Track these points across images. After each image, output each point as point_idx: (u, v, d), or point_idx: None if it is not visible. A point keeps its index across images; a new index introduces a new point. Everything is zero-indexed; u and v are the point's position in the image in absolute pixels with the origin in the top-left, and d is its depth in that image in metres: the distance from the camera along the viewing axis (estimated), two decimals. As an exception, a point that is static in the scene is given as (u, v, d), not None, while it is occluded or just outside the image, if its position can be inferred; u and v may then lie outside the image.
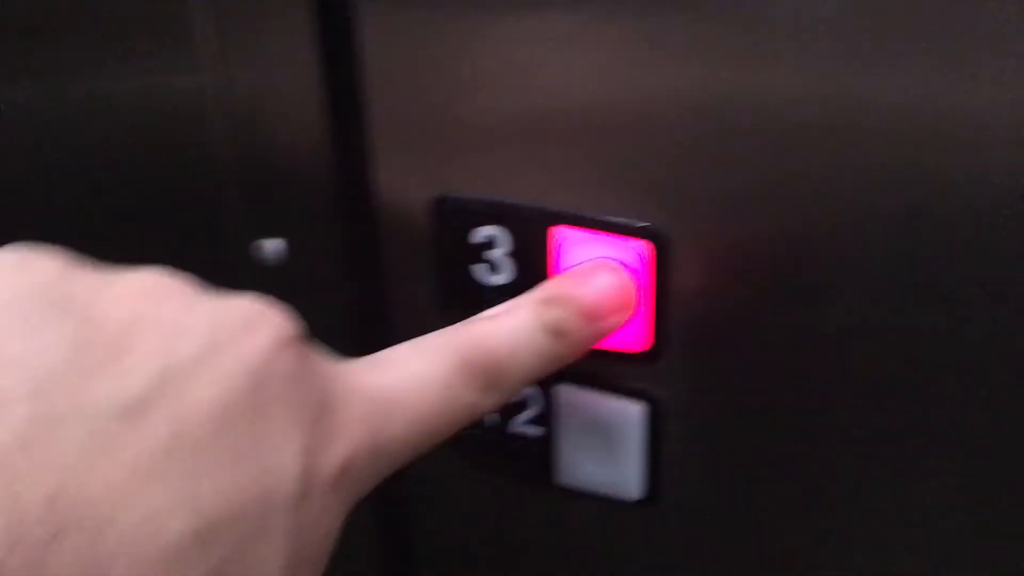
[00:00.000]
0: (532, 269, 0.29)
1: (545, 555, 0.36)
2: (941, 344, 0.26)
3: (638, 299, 0.28)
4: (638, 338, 0.29)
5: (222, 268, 0.37)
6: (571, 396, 0.31)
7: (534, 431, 0.32)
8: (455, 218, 0.30)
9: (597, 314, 0.26)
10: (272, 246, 0.34)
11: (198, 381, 0.16)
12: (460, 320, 0.31)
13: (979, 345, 0.26)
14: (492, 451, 0.33)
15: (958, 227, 0.25)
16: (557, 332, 0.24)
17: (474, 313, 0.31)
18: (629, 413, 0.30)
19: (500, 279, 0.30)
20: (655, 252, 0.28)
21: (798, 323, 0.27)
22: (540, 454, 0.32)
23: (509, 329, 0.24)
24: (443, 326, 0.32)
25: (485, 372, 0.23)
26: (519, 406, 0.32)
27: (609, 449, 0.31)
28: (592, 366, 0.30)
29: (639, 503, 0.32)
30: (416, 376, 0.22)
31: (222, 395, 0.17)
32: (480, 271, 0.30)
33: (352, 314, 0.35)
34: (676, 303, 0.28)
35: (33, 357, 0.15)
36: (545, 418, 0.32)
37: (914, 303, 0.26)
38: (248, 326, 0.18)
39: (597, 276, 0.27)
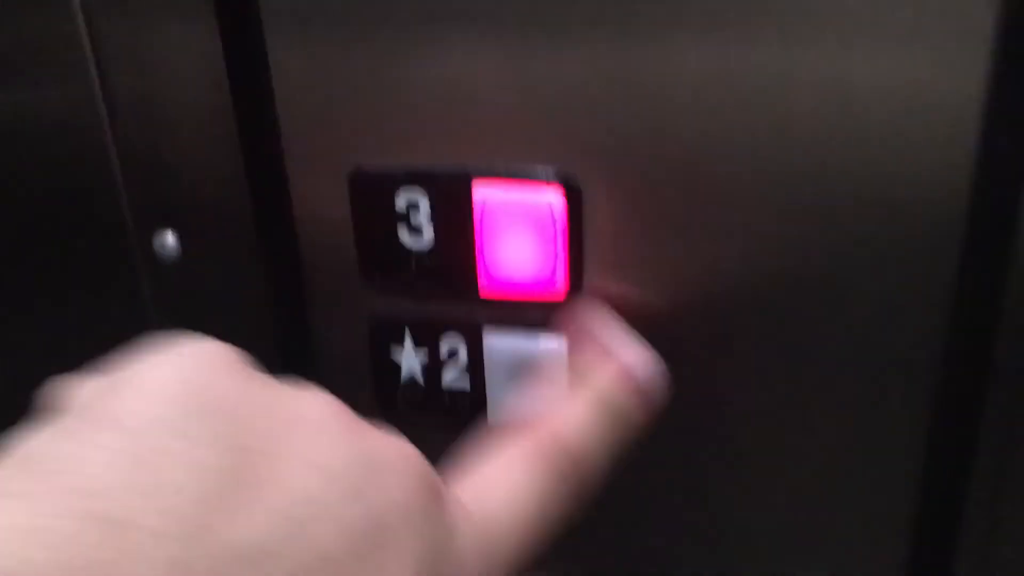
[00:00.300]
0: (454, 229, 0.31)
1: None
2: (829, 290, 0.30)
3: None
4: (555, 284, 0.31)
5: (123, 263, 0.36)
6: (496, 343, 0.33)
7: (464, 383, 0.34)
8: (374, 187, 0.31)
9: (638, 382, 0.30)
10: (172, 241, 0.34)
11: (324, 523, 0.17)
12: (384, 288, 0.32)
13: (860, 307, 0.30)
14: (425, 410, 0.34)
15: (837, 172, 0.29)
16: (616, 414, 0.28)
17: (399, 278, 0.32)
18: (552, 346, 0.33)
19: (423, 243, 0.31)
20: (567, 198, 0.30)
21: (698, 259, 0.31)
22: (472, 402, 0.34)
23: (578, 422, 0.27)
24: (365, 304, 0.33)
25: (569, 468, 0.26)
26: (447, 361, 0.34)
27: (535, 384, 0.34)
28: (512, 315, 0.32)
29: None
30: (516, 493, 0.24)
31: (344, 537, 0.17)
32: (403, 236, 0.31)
33: (270, 300, 0.35)
34: (589, 247, 0.31)
35: (187, 485, 0.16)
36: (474, 367, 0.34)
37: (803, 236, 0.30)
38: (387, 474, 0.19)
39: (625, 346, 0.30)
